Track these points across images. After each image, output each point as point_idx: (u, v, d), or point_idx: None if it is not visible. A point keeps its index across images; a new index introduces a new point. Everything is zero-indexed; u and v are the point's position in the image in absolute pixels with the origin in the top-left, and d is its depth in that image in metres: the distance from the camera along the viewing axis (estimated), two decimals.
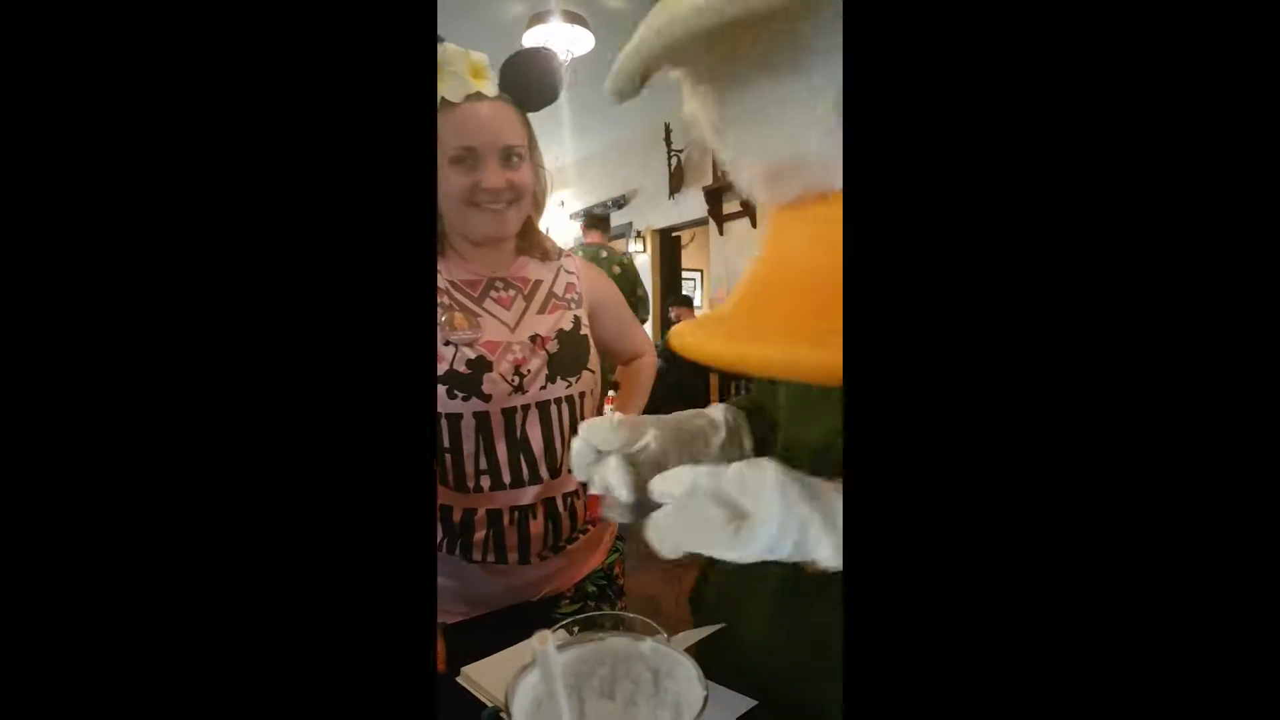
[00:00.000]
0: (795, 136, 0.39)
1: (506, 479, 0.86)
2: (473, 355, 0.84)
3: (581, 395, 0.92)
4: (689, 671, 0.44)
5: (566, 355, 0.90)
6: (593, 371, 0.94)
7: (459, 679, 0.61)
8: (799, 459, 0.59)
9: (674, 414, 0.61)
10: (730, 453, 0.62)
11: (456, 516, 0.86)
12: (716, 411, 0.64)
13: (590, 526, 0.96)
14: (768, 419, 0.67)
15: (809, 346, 0.37)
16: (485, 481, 0.86)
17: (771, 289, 0.42)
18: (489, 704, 0.56)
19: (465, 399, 0.83)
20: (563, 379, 0.89)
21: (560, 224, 5.43)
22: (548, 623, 0.82)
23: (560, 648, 0.48)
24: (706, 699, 0.41)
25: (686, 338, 0.44)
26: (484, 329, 0.86)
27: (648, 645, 0.47)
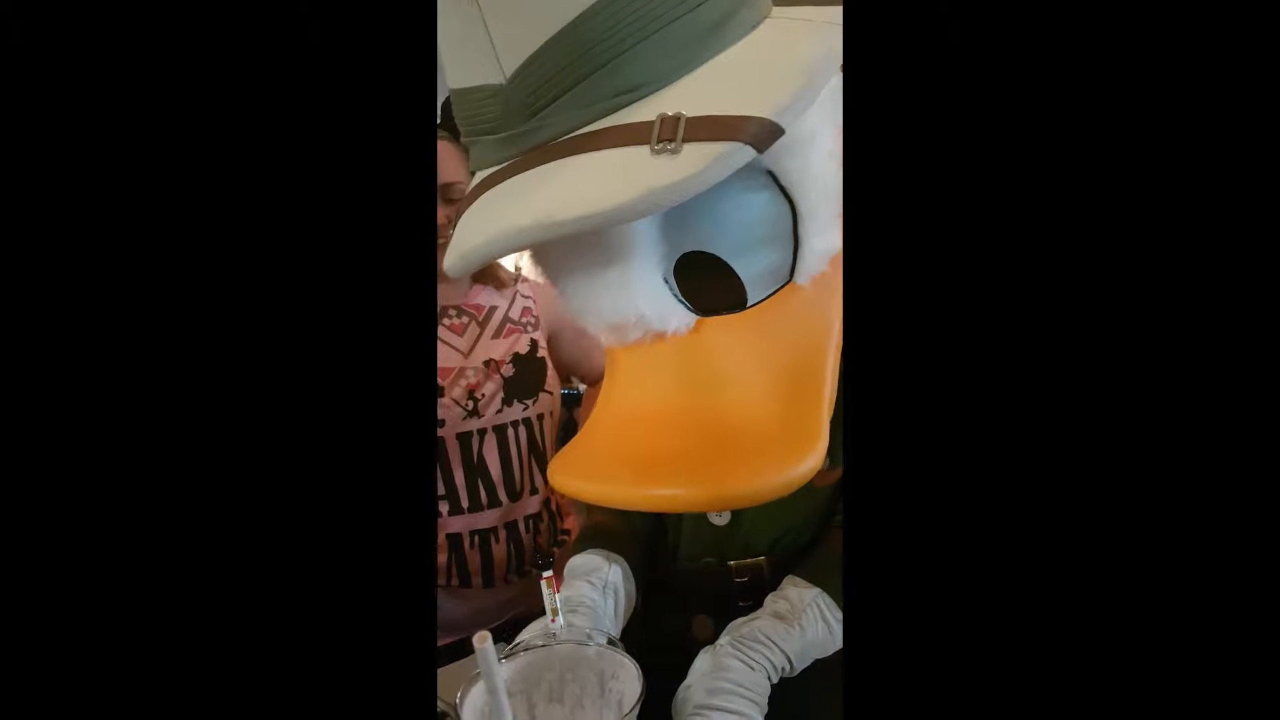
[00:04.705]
0: (628, 301, 0.42)
1: (465, 503, 0.87)
2: None
3: (540, 417, 0.94)
4: (631, 671, 0.46)
5: (523, 378, 0.92)
6: (550, 393, 0.96)
7: None
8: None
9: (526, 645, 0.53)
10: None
11: None
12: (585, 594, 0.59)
13: (565, 538, 0.98)
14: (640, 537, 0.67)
15: (687, 484, 0.39)
16: (444, 506, 0.87)
17: (635, 424, 0.44)
18: (438, 709, 0.57)
19: None
20: (519, 401, 0.91)
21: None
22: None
23: (510, 655, 0.49)
24: (644, 691, 0.43)
25: (564, 479, 0.44)
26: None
27: (593, 650, 0.49)
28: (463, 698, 0.45)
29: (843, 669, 0.29)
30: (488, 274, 0.96)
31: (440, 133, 0.87)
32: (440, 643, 0.86)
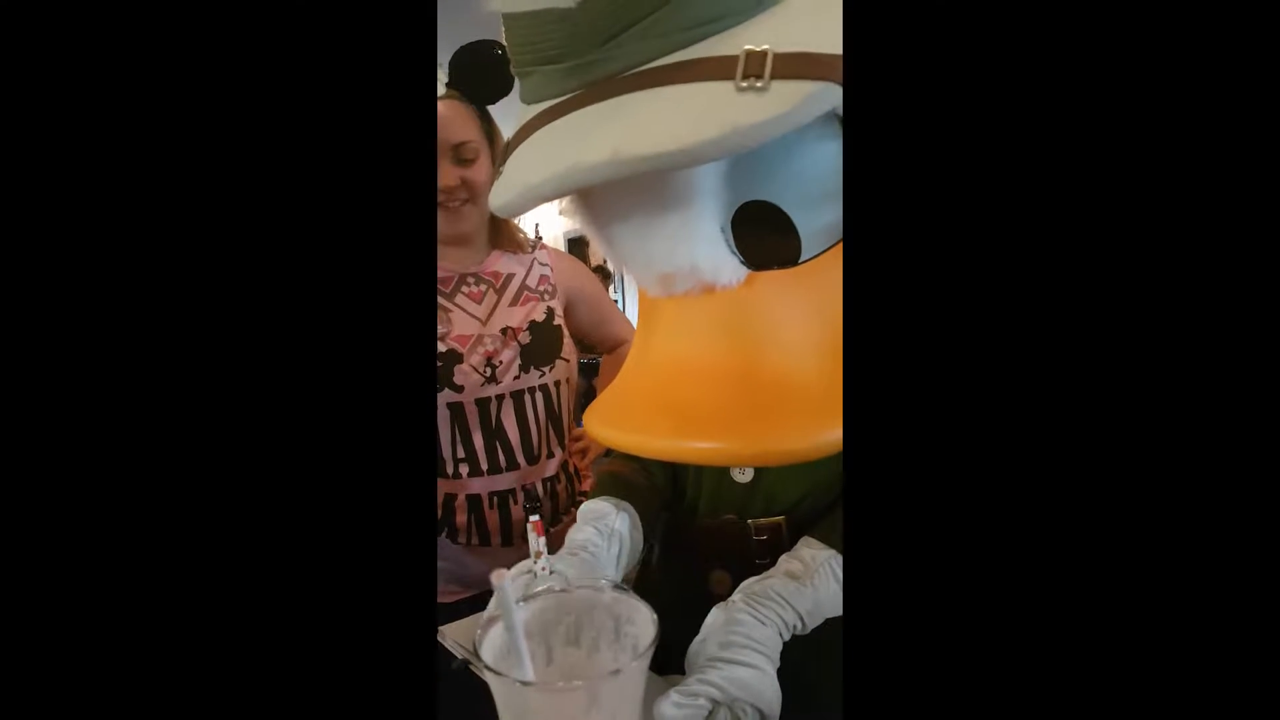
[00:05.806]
0: (685, 250, 0.40)
1: (484, 466, 0.89)
2: (443, 349, 0.87)
3: (557, 384, 0.96)
4: (645, 615, 0.48)
5: (539, 346, 0.93)
6: (567, 360, 0.97)
7: (437, 638, 0.65)
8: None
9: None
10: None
11: (438, 500, 0.89)
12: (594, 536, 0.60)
13: (584, 499, 0.99)
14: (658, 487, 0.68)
15: (727, 438, 0.38)
16: (464, 469, 0.89)
17: (677, 376, 0.42)
18: (459, 656, 0.59)
19: (438, 390, 0.86)
20: (536, 369, 0.92)
21: (548, 214, 5.36)
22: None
23: (528, 599, 0.51)
24: (658, 634, 0.44)
25: (601, 427, 0.44)
26: (454, 324, 0.89)
27: (609, 595, 0.50)
28: (481, 638, 0.46)
29: (842, 633, 0.29)
30: (506, 238, 0.97)
31: (450, 92, 0.87)
32: (460, 597, 0.89)
